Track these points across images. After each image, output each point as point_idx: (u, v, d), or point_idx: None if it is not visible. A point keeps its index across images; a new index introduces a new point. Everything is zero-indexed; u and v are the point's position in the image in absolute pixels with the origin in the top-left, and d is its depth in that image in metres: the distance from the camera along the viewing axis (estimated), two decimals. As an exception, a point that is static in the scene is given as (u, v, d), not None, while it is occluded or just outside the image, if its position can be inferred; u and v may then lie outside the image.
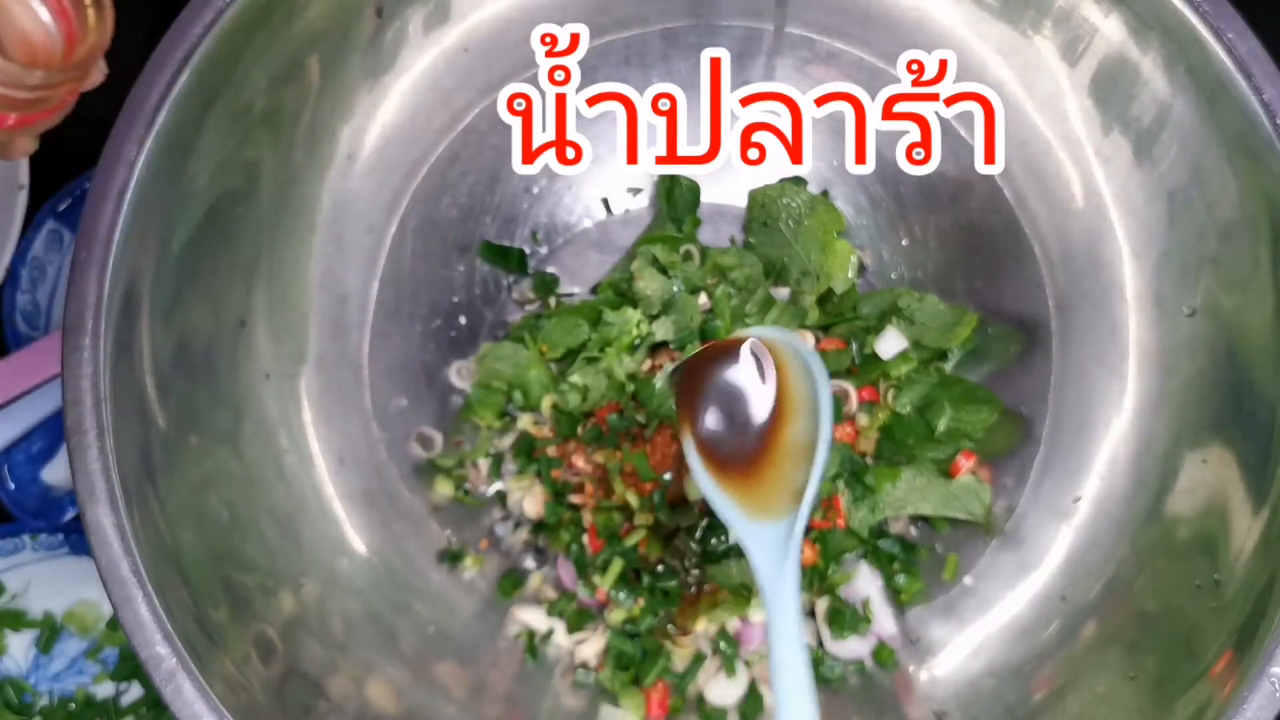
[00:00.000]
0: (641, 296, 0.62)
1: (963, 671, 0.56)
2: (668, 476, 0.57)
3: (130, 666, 0.63)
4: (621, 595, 0.56)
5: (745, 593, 0.56)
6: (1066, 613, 0.54)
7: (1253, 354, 0.51)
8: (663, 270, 0.62)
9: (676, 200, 0.65)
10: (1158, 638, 0.49)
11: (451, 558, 0.59)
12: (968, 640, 0.56)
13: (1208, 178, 0.51)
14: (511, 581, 0.59)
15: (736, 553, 0.56)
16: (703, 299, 0.62)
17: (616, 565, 0.56)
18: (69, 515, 0.66)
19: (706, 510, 0.56)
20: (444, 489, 0.60)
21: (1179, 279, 0.53)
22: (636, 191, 0.66)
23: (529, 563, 0.60)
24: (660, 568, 0.56)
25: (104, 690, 0.64)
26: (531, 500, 0.60)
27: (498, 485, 0.61)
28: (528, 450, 0.60)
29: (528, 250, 0.65)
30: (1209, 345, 0.53)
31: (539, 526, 0.60)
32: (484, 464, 0.61)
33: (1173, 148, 0.52)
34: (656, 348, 0.61)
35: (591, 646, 0.57)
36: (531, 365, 0.61)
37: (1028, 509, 0.57)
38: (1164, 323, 0.54)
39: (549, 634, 0.58)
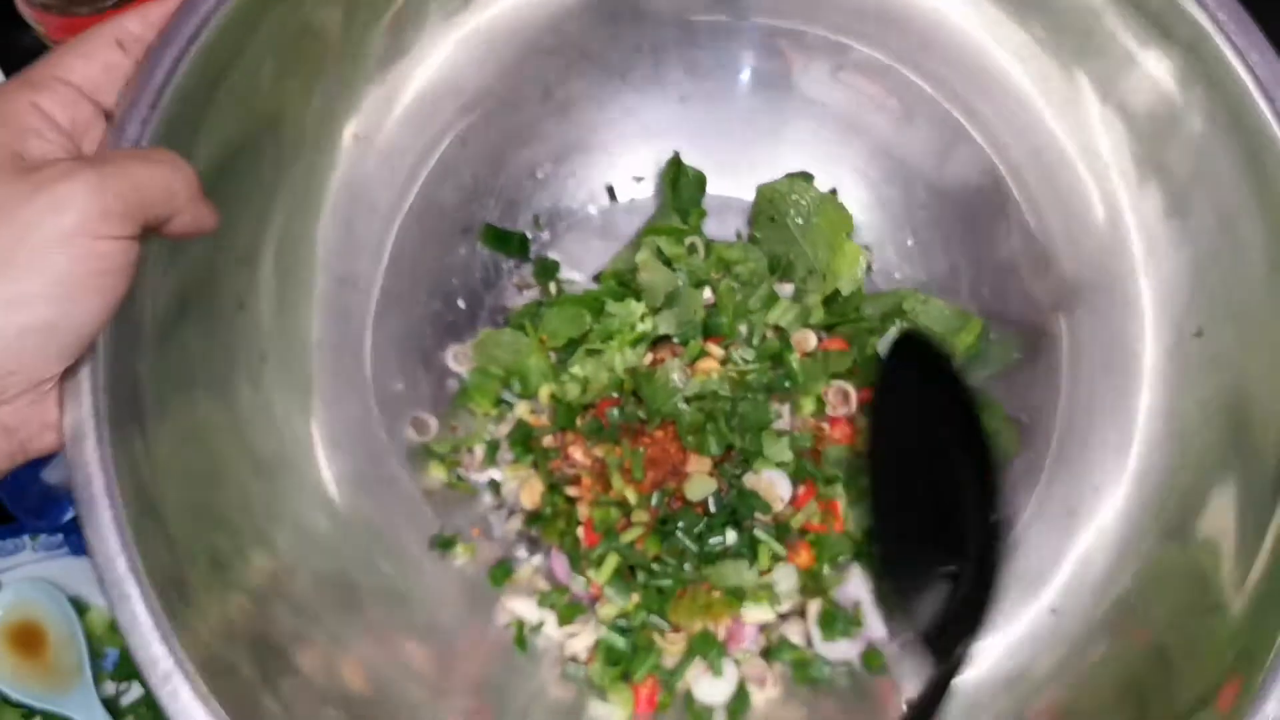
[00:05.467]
0: (645, 288, 0.61)
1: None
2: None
3: (130, 667, 0.62)
4: (616, 591, 0.56)
5: (740, 594, 0.56)
6: (1062, 627, 0.54)
7: (1259, 379, 0.51)
8: (667, 263, 0.62)
9: (682, 190, 0.64)
10: (1156, 659, 0.49)
11: (443, 544, 0.58)
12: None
13: (1235, 222, 0.50)
14: (503, 571, 0.58)
15: (734, 554, 0.56)
16: (706, 293, 0.62)
17: (612, 561, 0.56)
18: (69, 515, 0.66)
19: (706, 510, 0.56)
20: (437, 474, 0.60)
21: (1190, 300, 0.53)
22: (641, 179, 0.65)
23: (521, 552, 0.60)
24: (656, 565, 0.56)
25: (104, 690, 0.64)
26: (527, 491, 0.59)
27: (492, 473, 0.61)
28: (524, 439, 0.60)
29: (530, 235, 0.64)
30: (1216, 366, 0.53)
31: (533, 517, 0.59)
32: (479, 451, 0.60)
33: (1202, 193, 0.51)
34: (658, 341, 0.61)
35: (582, 641, 0.56)
36: (531, 353, 0.61)
37: (1026, 520, 0.57)
38: (1174, 342, 0.54)
39: (539, 626, 0.57)
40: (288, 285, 0.54)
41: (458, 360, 0.62)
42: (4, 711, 0.61)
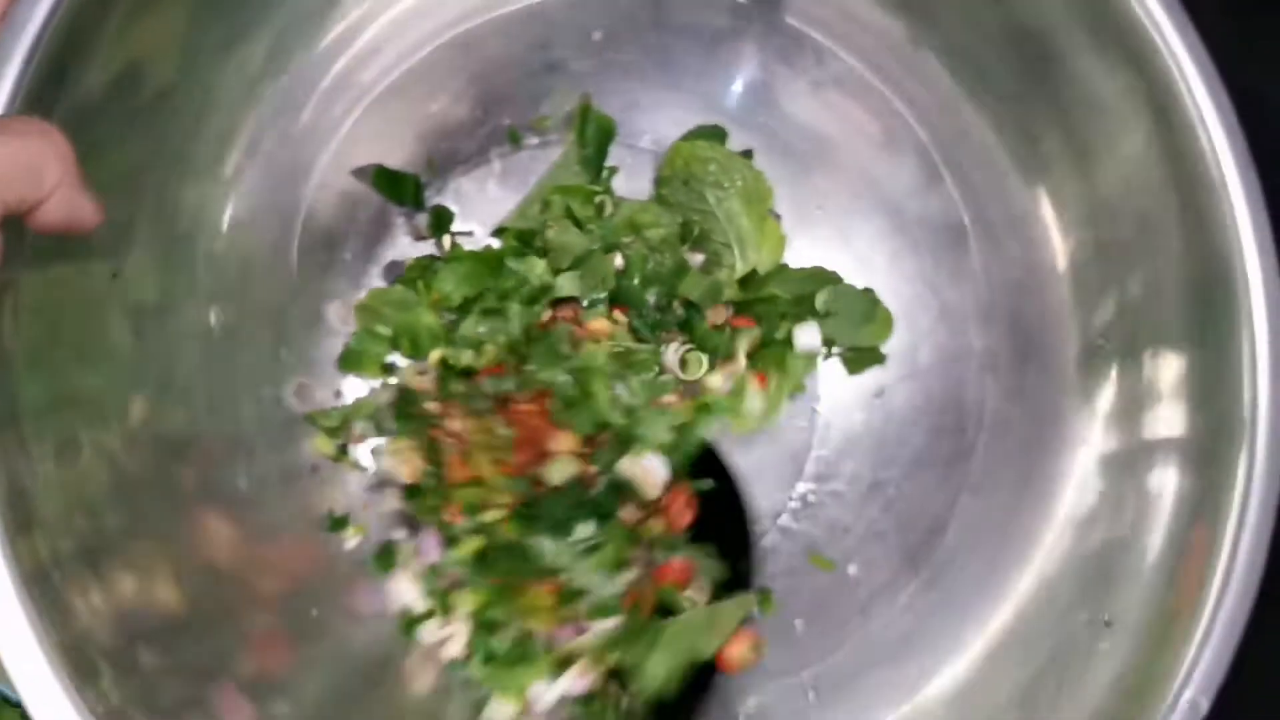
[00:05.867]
0: (554, 248, 0.57)
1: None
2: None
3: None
4: (472, 574, 0.53)
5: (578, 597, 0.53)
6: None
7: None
8: (578, 224, 0.57)
9: (589, 137, 0.59)
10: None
11: (335, 525, 0.55)
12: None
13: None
14: (387, 556, 0.55)
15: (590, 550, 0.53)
16: (616, 259, 0.58)
17: (471, 542, 0.52)
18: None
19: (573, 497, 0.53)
20: (323, 448, 0.55)
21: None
22: (544, 122, 0.60)
23: (400, 533, 0.56)
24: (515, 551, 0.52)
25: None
26: (408, 465, 0.55)
27: (375, 444, 0.57)
28: (407, 409, 0.55)
29: (424, 180, 0.58)
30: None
31: (412, 491, 0.55)
32: (362, 424, 0.56)
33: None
34: (561, 301, 0.57)
35: (455, 644, 0.53)
36: (423, 313, 0.56)
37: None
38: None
39: (427, 615, 0.54)
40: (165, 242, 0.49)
41: (343, 320, 0.57)
42: (4, 711, 0.57)
